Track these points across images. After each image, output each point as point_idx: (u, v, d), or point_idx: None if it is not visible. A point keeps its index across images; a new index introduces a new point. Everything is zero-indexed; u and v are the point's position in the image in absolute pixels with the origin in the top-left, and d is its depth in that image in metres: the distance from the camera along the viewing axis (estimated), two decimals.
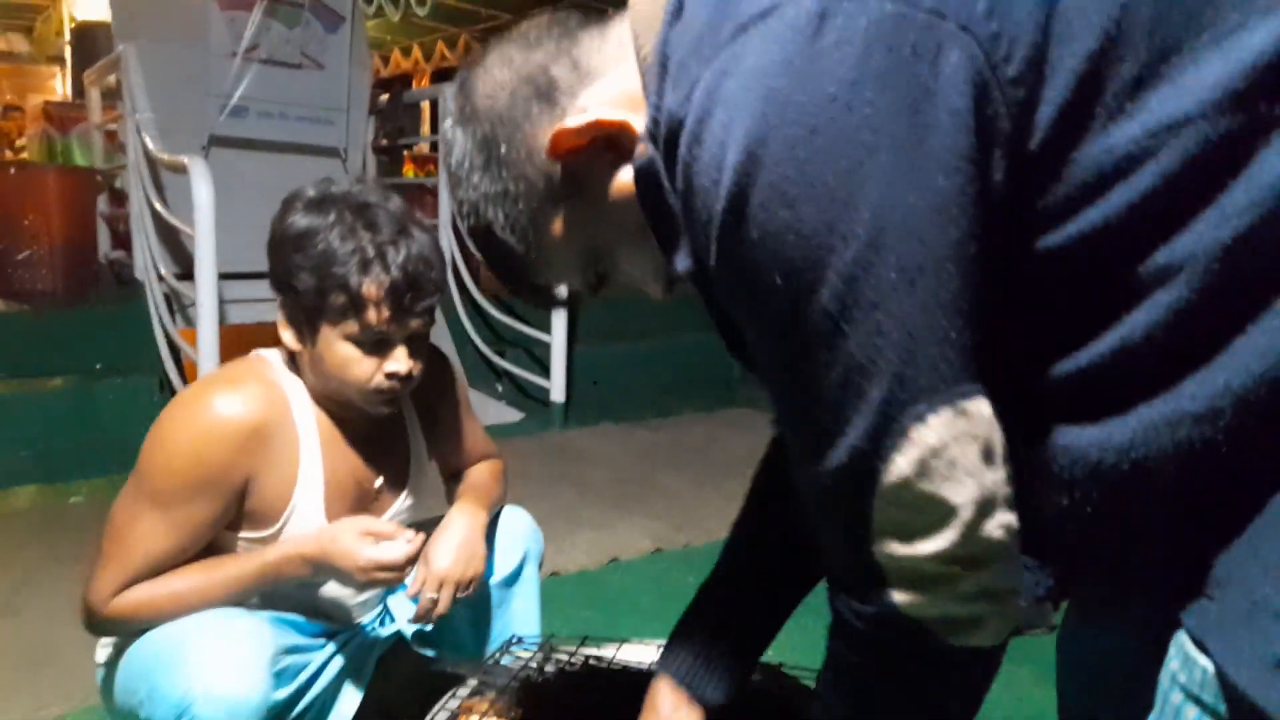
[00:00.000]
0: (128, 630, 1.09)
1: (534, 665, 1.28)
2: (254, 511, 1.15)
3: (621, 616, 1.97)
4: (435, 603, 1.18)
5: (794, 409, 0.58)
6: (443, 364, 1.36)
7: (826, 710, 0.68)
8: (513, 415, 3.72)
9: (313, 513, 1.18)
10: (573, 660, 1.30)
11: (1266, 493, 0.51)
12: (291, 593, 1.20)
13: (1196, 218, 0.48)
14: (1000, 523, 0.53)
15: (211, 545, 1.14)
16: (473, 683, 1.24)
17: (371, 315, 1.08)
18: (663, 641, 1.34)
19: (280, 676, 1.12)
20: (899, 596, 0.55)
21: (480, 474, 1.41)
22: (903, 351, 0.50)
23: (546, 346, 3.74)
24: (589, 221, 0.67)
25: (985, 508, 0.52)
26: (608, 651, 1.33)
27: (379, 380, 1.12)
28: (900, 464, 0.52)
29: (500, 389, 4.01)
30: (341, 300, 1.08)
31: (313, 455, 1.18)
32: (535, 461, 2.95)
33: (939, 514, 0.52)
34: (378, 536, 1.13)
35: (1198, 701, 0.54)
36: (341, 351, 1.11)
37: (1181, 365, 0.50)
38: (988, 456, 0.52)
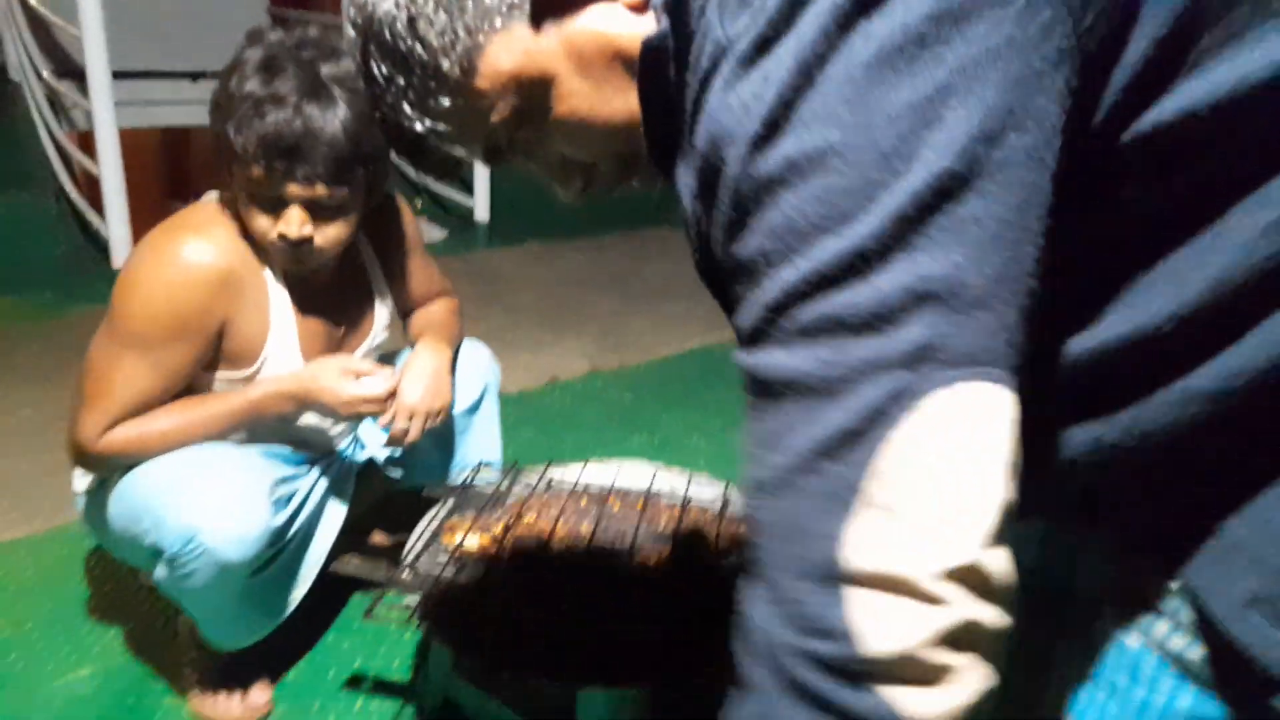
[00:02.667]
0: (117, 466, 1.14)
1: (503, 487, 1.40)
2: (231, 352, 1.18)
3: (564, 435, 2.11)
4: (406, 432, 1.26)
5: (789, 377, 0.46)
6: (393, 209, 1.37)
7: None
8: (437, 233, 3.67)
9: (289, 353, 1.22)
10: (541, 481, 1.42)
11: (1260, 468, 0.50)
12: (274, 427, 1.25)
13: (1247, 197, 0.47)
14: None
15: (191, 386, 1.18)
16: (449, 503, 1.35)
17: (251, 169, 1.06)
18: (621, 462, 1.48)
19: (276, 503, 1.20)
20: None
21: (439, 312, 1.46)
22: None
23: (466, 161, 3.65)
24: (533, 87, 0.60)
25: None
26: (571, 473, 1.46)
27: (273, 239, 1.11)
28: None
29: (419, 204, 3.92)
30: (227, 146, 1.06)
31: (281, 297, 1.20)
32: (464, 282, 2.94)
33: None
34: (358, 374, 1.20)
35: (1161, 649, 0.54)
36: (243, 200, 1.11)
37: (1200, 350, 0.49)
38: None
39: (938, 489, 0.44)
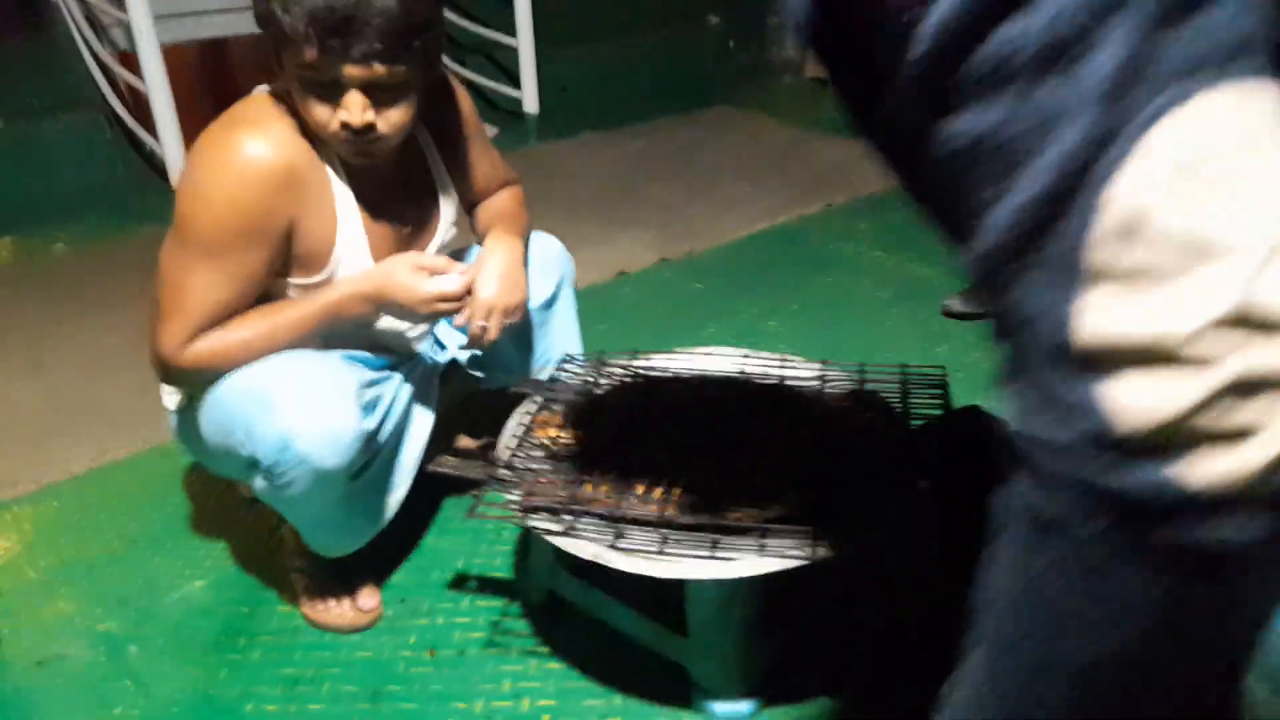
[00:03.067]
0: (203, 379, 1.12)
1: (590, 380, 1.36)
2: (302, 255, 1.14)
3: (639, 327, 2.05)
4: (485, 330, 1.21)
5: None
6: (450, 95, 1.29)
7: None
8: (489, 130, 3.56)
9: (359, 253, 1.18)
10: (627, 372, 1.38)
11: None
12: (352, 332, 1.22)
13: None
14: None
15: (267, 294, 1.14)
16: (538, 399, 1.31)
17: (303, 52, 1.00)
18: (709, 349, 1.42)
19: (365, 407, 1.17)
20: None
21: (505, 202, 1.39)
22: None
23: (510, 52, 3.49)
24: None
25: None
26: (658, 361, 1.41)
27: (335, 129, 1.06)
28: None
29: None
30: (276, 30, 1.00)
31: (345, 194, 1.15)
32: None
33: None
34: (432, 270, 1.15)
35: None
36: (298, 91, 1.06)
37: None
38: None
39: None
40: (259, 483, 1.13)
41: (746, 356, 1.39)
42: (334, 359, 1.16)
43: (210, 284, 1.07)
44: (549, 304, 1.42)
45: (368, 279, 1.15)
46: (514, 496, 1.12)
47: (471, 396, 1.53)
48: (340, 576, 1.31)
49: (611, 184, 2.96)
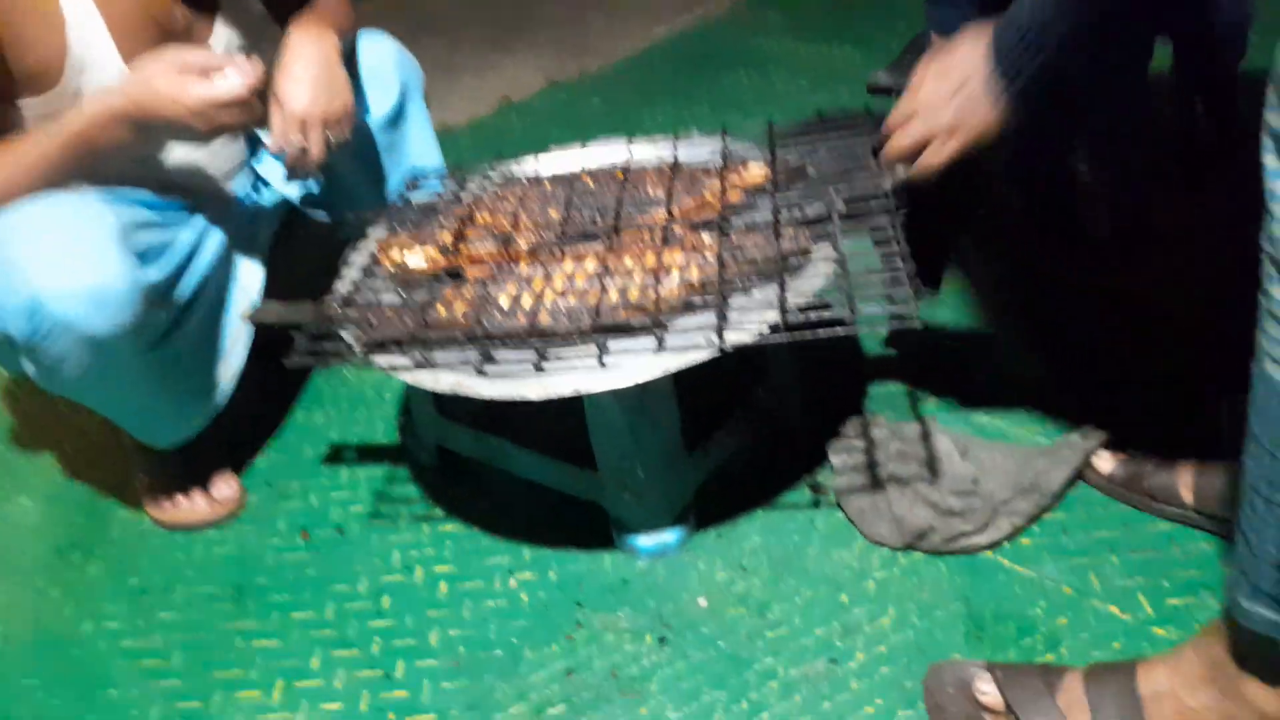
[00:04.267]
0: None
1: (448, 195, 1.11)
2: (24, 69, 0.88)
3: None
4: (304, 151, 0.97)
5: None
6: None
7: None
8: None
9: (102, 56, 0.91)
10: (490, 180, 1.14)
11: None
12: (130, 168, 0.96)
13: None
14: None
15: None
16: (382, 223, 1.07)
17: None
18: (588, 145, 1.18)
19: (145, 256, 0.93)
20: None
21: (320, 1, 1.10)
22: None
23: None
24: None
25: None
26: (527, 166, 1.17)
27: None
28: None
29: None
30: None
31: None
32: (392, 19, 2.52)
33: None
34: (204, 69, 0.88)
35: None
36: None
37: None
38: None
39: None
40: (28, 367, 0.89)
41: (632, 144, 1.15)
42: (89, 199, 0.90)
43: None
44: (395, 119, 1.15)
45: (120, 92, 0.87)
46: (354, 336, 0.89)
47: (323, 242, 1.28)
48: (189, 468, 1.10)
49: (493, 7, 2.61)
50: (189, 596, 1.00)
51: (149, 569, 1.05)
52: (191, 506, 1.09)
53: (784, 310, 0.80)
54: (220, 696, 0.89)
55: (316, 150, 0.98)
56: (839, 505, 0.96)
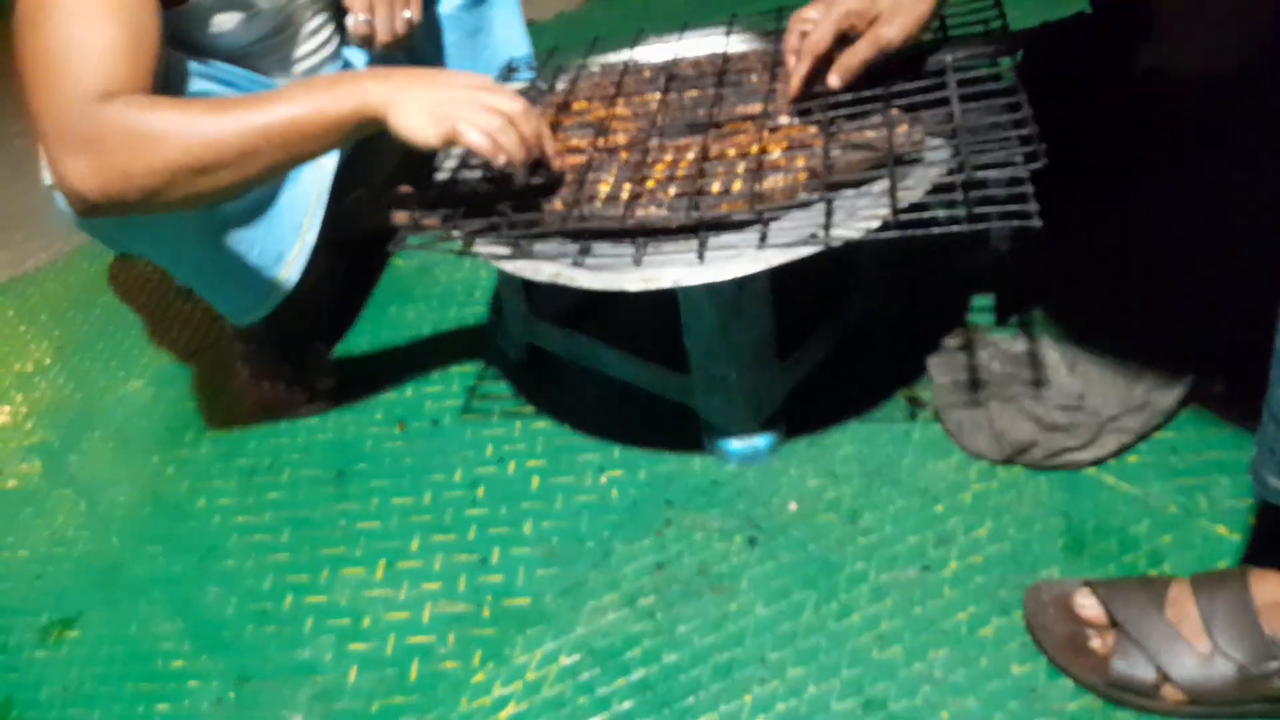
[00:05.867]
0: (144, 182, 0.77)
1: (540, 85, 1.09)
2: None
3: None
4: (370, 27, 0.94)
5: None
6: None
7: None
8: None
9: None
10: (586, 69, 1.11)
11: None
12: (228, 53, 0.96)
13: None
14: None
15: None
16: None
17: None
18: (688, 34, 1.13)
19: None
20: None
21: None
22: None
23: None
24: None
25: None
26: (621, 55, 1.13)
27: None
28: None
29: None
30: None
31: None
32: None
33: None
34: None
35: None
36: None
37: None
38: None
39: None
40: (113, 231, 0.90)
41: (730, 32, 1.10)
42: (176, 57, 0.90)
43: (94, 21, 0.77)
44: (478, 1, 1.12)
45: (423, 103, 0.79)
46: (448, 225, 0.89)
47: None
48: (289, 357, 1.13)
49: None
50: (294, 478, 1.05)
51: (256, 451, 1.09)
52: (291, 396, 1.13)
53: (895, 207, 0.76)
54: (327, 571, 0.94)
55: (385, 31, 0.95)
56: (937, 418, 0.94)
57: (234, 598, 0.94)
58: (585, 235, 0.84)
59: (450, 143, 0.78)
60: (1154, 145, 1.20)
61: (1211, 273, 0.95)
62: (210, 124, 0.76)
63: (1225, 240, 0.99)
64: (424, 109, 0.77)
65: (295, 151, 0.79)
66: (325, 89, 0.78)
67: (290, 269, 1.06)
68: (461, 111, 0.77)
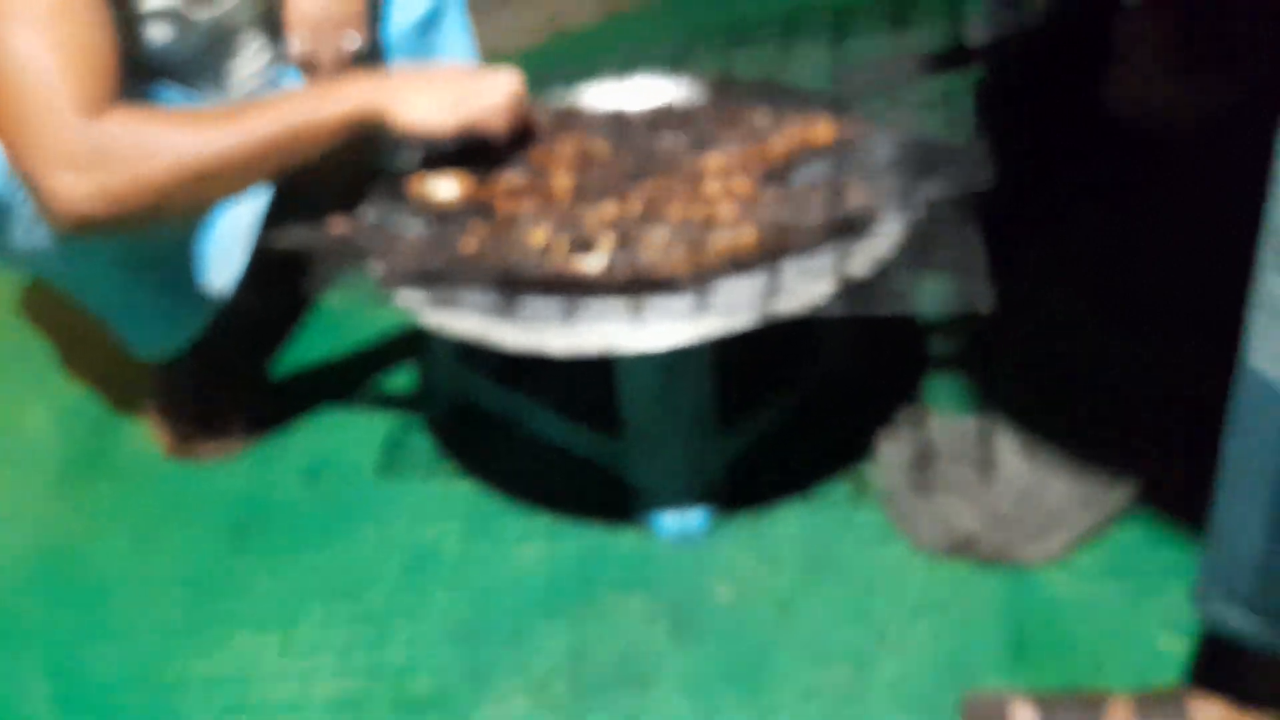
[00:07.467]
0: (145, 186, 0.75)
1: None
2: None
3: None
4: (313, 55, 0.92)
5: None
6: None
7: None
8: None
9: None
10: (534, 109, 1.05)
11: None
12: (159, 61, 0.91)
13: None
14: None
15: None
16: (416, 150, 1.00)
17: None
18: (633, 79, 1.09)
19: None
20: None
21: None
22: None
23: None
24: None
25: None
26: (572, 98, 1.08)
27: None
28: None
29: None
30: None
31: None
32: None
33: None
34: None
35: None
36: None
37: None
38: None
39: None
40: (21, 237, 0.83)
41: (687, 81, 1.05)
42: None
43: (55, 30, 0.73)
44: (428, 24, 1.07)
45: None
46: (377, 268, 0.83)
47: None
48: (202, 398, 1.06)
49: None
50: (194, 528, 0.97)
51: (157, 494, 1.02)
52: (199, 439, 1.05)
53: (841, 280, 0.72)
54: (218, 634, 0.86)
55: (327, 57, 0.92)
56: (882, 502, 0.89)
57: (117, 658, 0.86)
58: (514, 287, 0.78)
59: (468, 130, 0.83)
60: (1107, 189, 1.16)
61: (1168, 359, 0.93)
62: (213, 133, 0.77)
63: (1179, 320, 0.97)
64: (432, 101, 0.82)
65: (297, 155, 0.80)
66: (324, 92, 0.82)
67: (213, 298, 1.00)
68: (473, 99, 0.84)
